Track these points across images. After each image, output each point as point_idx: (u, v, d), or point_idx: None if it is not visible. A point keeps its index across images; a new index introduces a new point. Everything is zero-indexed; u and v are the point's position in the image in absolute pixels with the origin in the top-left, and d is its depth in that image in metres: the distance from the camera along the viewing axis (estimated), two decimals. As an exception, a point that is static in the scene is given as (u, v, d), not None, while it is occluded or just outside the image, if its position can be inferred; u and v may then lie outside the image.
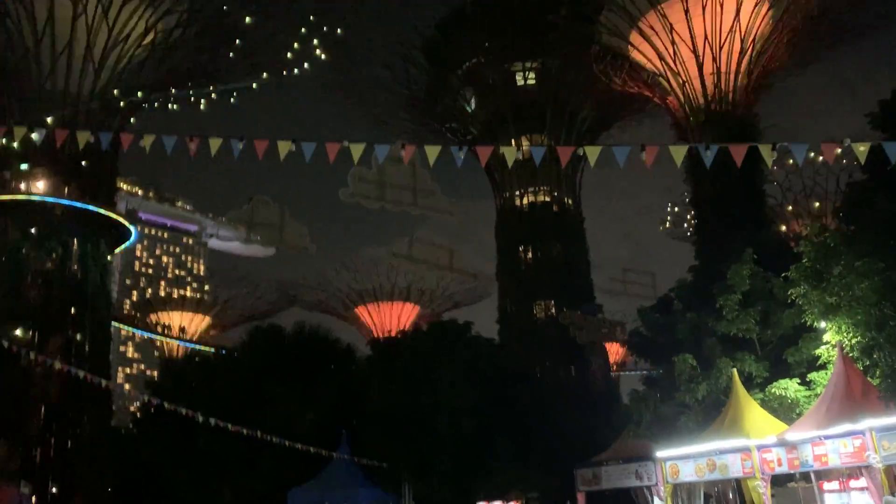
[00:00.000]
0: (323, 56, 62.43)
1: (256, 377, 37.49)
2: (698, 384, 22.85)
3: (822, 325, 19.49)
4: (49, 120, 45.22)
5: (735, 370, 21.71)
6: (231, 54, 56.68)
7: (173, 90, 57.90)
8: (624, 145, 12.90)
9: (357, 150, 12.55)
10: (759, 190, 39.28)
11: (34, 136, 13.69)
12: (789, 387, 21.29)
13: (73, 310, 47.00)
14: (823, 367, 20.45)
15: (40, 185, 47.77)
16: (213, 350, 54.36)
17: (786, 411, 21.30)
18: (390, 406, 31.69)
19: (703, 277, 26.96)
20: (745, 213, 35.38)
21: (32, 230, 46.53)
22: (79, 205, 47.80)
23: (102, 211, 48.93)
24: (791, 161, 59.53)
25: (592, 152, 13.22)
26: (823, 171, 73.90)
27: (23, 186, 47.75)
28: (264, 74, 61.29)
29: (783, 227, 40.53)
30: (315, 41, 59.71)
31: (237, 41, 55.63)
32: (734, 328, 23.13)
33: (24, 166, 47.81)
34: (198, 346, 73.38)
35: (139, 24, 50.72)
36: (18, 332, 44.11)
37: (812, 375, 20.96)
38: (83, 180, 49.20)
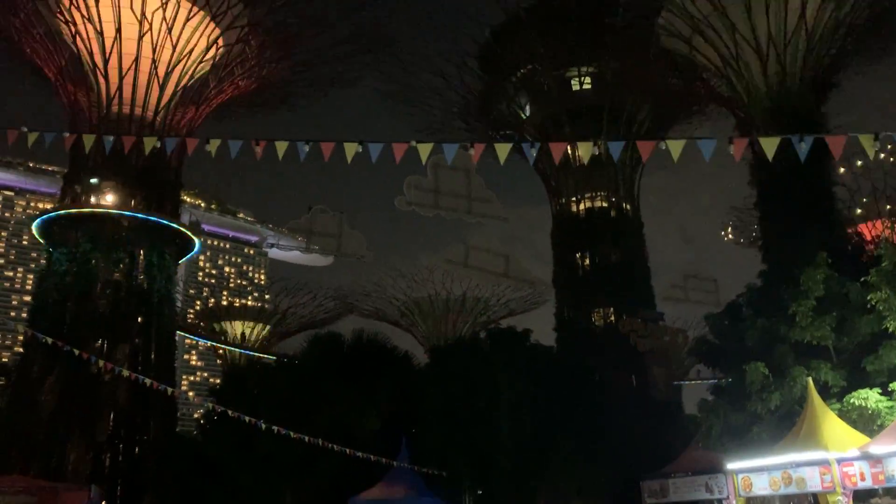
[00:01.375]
0: (380, 66, 63.21)
1: (316, 383, 37.79)
2: (771, 393, 21.94)
3: (905, 331, 18.57)
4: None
5: (810, 379, 20.80)
6: (290, 67, 57.76)
7: (235, 103, 59.51)
8: (708, 138, 12.43)
9: (425, 149, 12.46)
10: (828, 191, 37.86)
11: (104, 143, 13.94)
12: (870, 396, 20.25)
13: (139, 318, 48.31)
14: (906, 376, 19.47)
15: (109, 198, 49.32)
16: (274, 357, 55.08)
17: (866, 423, 20.27)
18: (449, 409, 31.57)
19: (773, 282, 26.04)
20: (813, 214, 34.10)
21: (101, 241, 47.99)
22: (145, 217, 49.13)
23: (167, 222, 50.22)
24: (860, 163, 57.44)
25: (675, 146, 12.80)
26: (893, 172, 71.16)
27: (92, 199, 49.36)
28: (323, 87, 62.41)
29: (852, 230, 38.98)
30: (372, 51, 60.41)
31: (296, 54, 56.62)
32: (808, 335, 22.16)
33: (93, 180, 49.38)
34: (259, 354, 74.55)
35: (202, 40, 52.04)
36: (89, 339, 45.45)
37: (894, 385, 19.94)
38: (149, 193, 50.59)
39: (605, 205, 69.23)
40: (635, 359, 63.57)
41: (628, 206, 70.18)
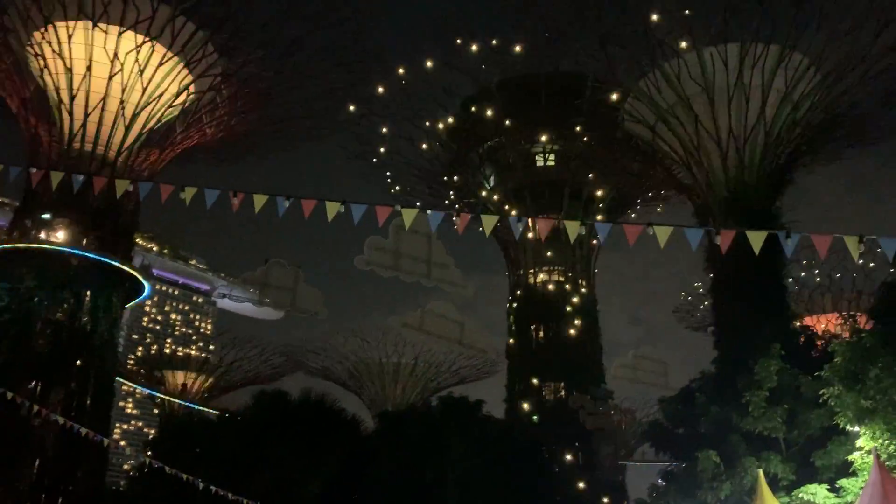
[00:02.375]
0: (350, 125, 63.81)
1: (260, 441, 36.60)
2: (722, 483, 21.93)
3: (856, 429, 18.80)
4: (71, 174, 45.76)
5: (760, 471, 20.84)
6: (260, 119, 57.84)
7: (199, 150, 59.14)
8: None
9: (409, 215, 12.44)
10: (780, 284, 38.92)
11: (73, 182, 13.56)
12: (818, 492, 20.36)
13: (78, 362, 46.44)
14: (854, 473, 19.62)
15: (60, 235, 47.96)
16: (212, 411, 53.40)
17: (813, 518, 20.36)
18: (396, 478, 30.73)
19: (727, 370, 26.34)
20: (766, 306, 34.89)
21: (47, 279, 46.40)
22: (96, 257, 47.79)
23: (119, 264, 48.92)
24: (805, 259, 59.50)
25: (662, 232, 13.00)
26: (839, 269, 73.83)
27: (42, 235, 47.95)
28: (293, 141, 62.60)
29: (802, 324, 40.14)
30: (345, 111, 61.08)
31: (268, 107, 56.78)
32: (760, 426, 22.35)
33: (45, 216, 48.08)
34: (201, 407, 72.18)
35: (173, 85, 51.87)
36: (22, 380, 43.41)
37: (842, 482, 20.06)
38: (103, 233, 49.36)
39: (561, 279, 70.02)
40: (583, 436, 63.47)
41: (584, 283, 71.10)
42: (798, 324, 36.99)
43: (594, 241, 68.94)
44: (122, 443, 71.14)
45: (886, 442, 17.32)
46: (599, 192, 67.51)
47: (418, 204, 72.53)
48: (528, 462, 35.93)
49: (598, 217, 62.73)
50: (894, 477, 17.53)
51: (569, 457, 61.17)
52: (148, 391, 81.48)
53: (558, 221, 12.44)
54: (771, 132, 40.47)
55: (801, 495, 20.75)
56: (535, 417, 61.62)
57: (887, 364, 17.07)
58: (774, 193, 41.16)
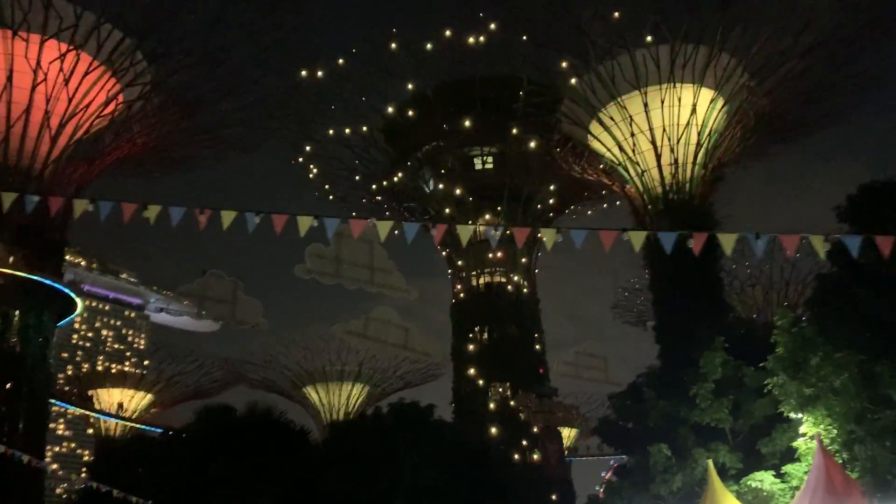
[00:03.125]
0: (285, 133, 62.97)
1: (205, 459, 35.63)
2: (674, 475, 22.46)
3: (799, 416, 19.50)
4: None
5: (710, 462, 21.43)
6: (192, 128, 56.45)
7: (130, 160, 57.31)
8: (582, 228, 13.09)
9: (384, 227, 12.35)
10: (717, 277, 40.16)
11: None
12: (765, 479, 21.07)
13: (9, 384, 44.40)
14: (798, 459, 20.36)
15: (-17, 254, 45.76)
16: (156, 429, 51.79)
17: (761, 504, 21.05)
18: (350, 489, 30.35)
19: (671, 364, 27.01)
20: (704, 298, 35.95)
21: (-28, 300, 44.27)
22: (24, 276, 45.77)
23: (49, 282, 46.96)
24: (742, 250, 61.48)
25: (549, 235, 13.37)
26: (768, 261, 76.57)
27: (-36, 255, 45.66)
28: (227, 150, 61.27)
29: (744, 317, 41.65)
30: (277, 118, 60.14)
31: (199, 115, 55.45)
32: (707, 417, 23.00)
33: (-33, 234, 45.80)
34: (142, 426, 69.92)
35: (100, 95, 50.13)
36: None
37: (787, 468, 20.81)
38: (30, 251, 47.29)
39: (503, 280, 70.60)
40: (529, 434, 64.20)
41: (525, 283, 71.87)
42: (741, 317, 38.20)
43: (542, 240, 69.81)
44: (54, 466, 68.03)
45: (828, 427, 18.01)
46: (539, 195, 68.35)
47: (353, 213, 72.27)
48: (479, 465, 36.04)
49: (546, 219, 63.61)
50: (836, 460, 18.29)
51: (517, 456, 61.62)
52: (83, 412, 78.38)
53: (536, 229, 12.55)
54: (703, 130, 41.70)
55: (749, 483, 21.41)
56: (483, 419, 61.89)
57: (826, 353, 17.76)
58: (709, 191, 42.45)
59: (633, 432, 25.73)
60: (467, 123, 63.75)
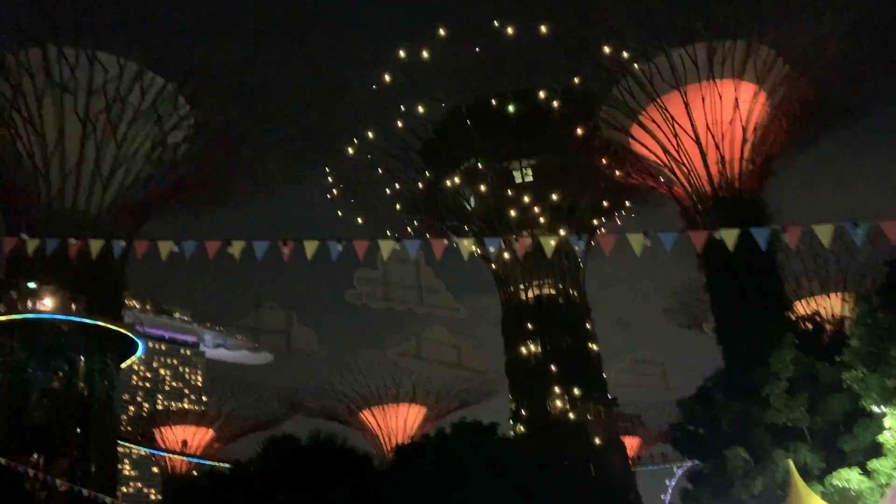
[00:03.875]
0: (325, 162, 63.82)
1: (272, 491, 35.87)
2: (753, 478, 21.83)
3: (881, 409, 18.85)
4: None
5: (791, 462, 20.80)
6: (236, 165, 57.63)
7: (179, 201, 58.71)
8: (665, 232, 12.90)
9: (387, 246, 12.24)
10: (776, 273, 39.21)
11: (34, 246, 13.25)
12: (851, 477, 20.34)
13: (78, 429, 45.51)
14: (884, 455, 19.63)
15: (47, 303, 47.17)
16: (221, 464, 52.37)
17: (848, 504, 20.34)
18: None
19: (739, 365, 26.36)
20: (766, 296, 35.11)
21: (38, 348, 45.58)
22: (86, 321, 47.06)
23: (110, 326, 48.18)
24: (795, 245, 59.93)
25: (636, 240, 13.30)
26: (822, 253, 74.52)
27: (29, 304, 47.12)
28: (270, 184, 62.34)
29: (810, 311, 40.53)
30: (317, 148, 61.02)
31: (242, 153, 56.61)
32: (783, 417, 22.35)
33: (31, 285, 47.28)
34: (208, 462, 70.91)
35: (146, 141, 51.55)
36: (22, 454, 42.42)
37: (873, 464, 20.07)
38: (89, 296, 48.65)
39: (553, 292, 69.94)
40: (591, 446, 63.15)
41: (576, 293, 71.08)
42: (802, 311, 37.23)
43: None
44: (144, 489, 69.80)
45: (916, 420, 17.37)
46: (580, 203, 67.84)
47: (395, 234, 72.59)
48: (547, 481, 35.59)
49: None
50: (928, 453, 17.63)
51: (581, 469, 60.67)
52: (150, 451, 79.83)
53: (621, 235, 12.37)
54: (747, 125, 40.97)
55: (834, 482, 20.71)
56: (544, 433, 61.15)
57: (909, 342, 17.16)
58: (758, 185, 41.60)
59: (705, 437, 25.13)
60: (504, 137, 63.68)
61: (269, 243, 11.33)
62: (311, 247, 11.32)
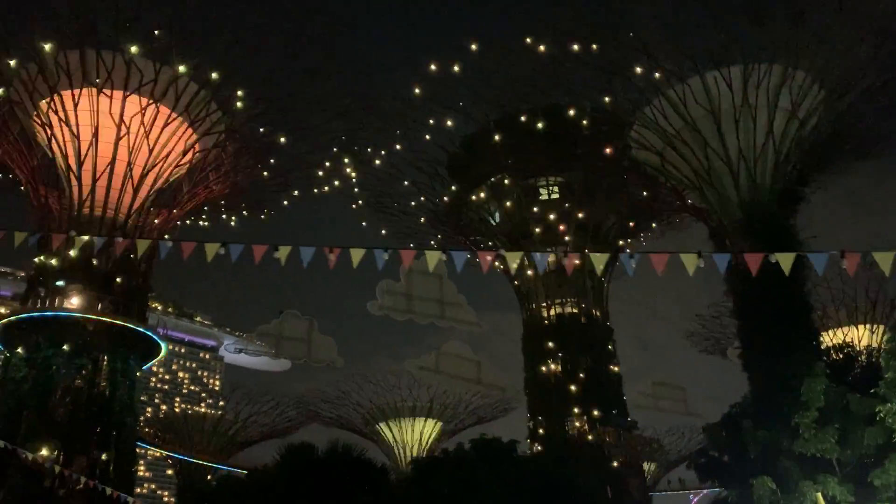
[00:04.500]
0: (352, 174, 64.05)
1: (290, 499, 35.80)
2: (780, 509, 21.42)
3: (916, 444, 18.41)
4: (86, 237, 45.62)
5: (819, 495, 20.40)
6: (265, 172, 58.15)
7: (208, 206, 59.35)
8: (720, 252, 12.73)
9: (433, 257, 12.18)
10: (805, 300, 38.65)
11: (72, 252, 13.36)
12: (882, 513, 19.91)
13: (99, 428, 45.85)
14: (916, 490, 19.18)
15: (74, 302, 47.71)
16: (239, 470, 52.49)
17: (878, 540, 19.85)
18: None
19: (767, 392, 25.93)
20: (794, 323, 34.58)
21: (64, 346, 46.05)
22: (111, 321, 47.52)
23: (136, 326, 48.62)
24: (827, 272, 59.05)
25: (690, 260, 13.25)
26: (850, 282, 73.35)
27: (56, 303, 47.68)
28: (295, 192, 62.80)
29: (841, 341, 39.86)
30: (345, 159, 61.35)
31: (271, 160, 57.13)
32: (812, 448, 21.90)
33: (59, 283, 47.87)
34: (229, 468, 71.12)
35: (178, 145, 52.17)
36: (44, 450, 42.81)
37: (905, 500, 19.64)
38: (116, 297, 49.17)
39: (575, 311, 69.53)
40: (608, 469, 62.37)
41: (598, 313, 70.60)
42: (829, 341, 36.55)
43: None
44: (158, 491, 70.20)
45: (953, 456, 16.92)
46: (606, 222, 67.46)
47: (409, 245, 72.65)
48: (564, 502, 35.19)
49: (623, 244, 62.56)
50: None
51: (598, 492, 59.97)
52: (168, 454, 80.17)
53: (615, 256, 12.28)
54: (780, 150, 40.59)
55: (863, 517, 20.25)
56: (561, 453, 60.55)
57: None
58: (789, 211, 41.12)
59: (730, 464, 24.68)
60: (531, 154, 63.55)
61: (315, 249, 11.33)
62: (357, 255, 11.32)
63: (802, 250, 26.47)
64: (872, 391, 19.68)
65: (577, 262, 16.18)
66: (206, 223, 64.15)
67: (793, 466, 22.14)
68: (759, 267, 13.78)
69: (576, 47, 44.22)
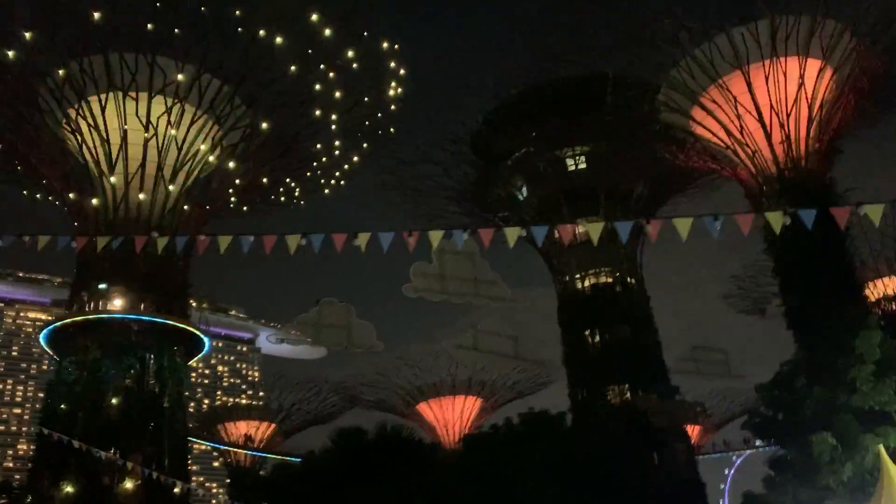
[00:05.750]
0: (376, 159, 64.00)
1: (344, 483, 36.39)
2: (842, 464, 21.24)
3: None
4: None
5: (882, 447, 20.17)
6: (291, 164, 58.46)
7: (238, 201, 59.79)
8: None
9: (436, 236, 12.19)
10: (848, 253, 38.05)
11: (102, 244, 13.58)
12: (946, 461, 19.64)
13: (151, 425, 46.87)
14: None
15: (117, 303, 48.58)
16: (290, 458, 53.33)
17: (944, 489, 19.61)
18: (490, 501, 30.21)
19: (819, 349, 25.64)
20: (839, 277, 34.11)
21: (111, 347, 47.01)
22: (155, 320, 48.36)
23: (179, 324, 49.43)
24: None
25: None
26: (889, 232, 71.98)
27: (100, 305, 48.59)
28: (322, 181, 63.06)
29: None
30: (367, 145, 61.42)
31: (297, 151, 57.34)
32: (870, 401, 21.69)
33: (101, 286, 48.75)
34: (280, 457, 72.28)
35: (206, 141, 52.58)
36: (100, 451, 43.85)
37: (969, 447, 19.38)
38: (157, 296, 49.96)
39: (609, 280, 69.12)
40: (653, 436, 62.20)
41: (633, 281, 70.05)
42: (874, 293, 36.02)
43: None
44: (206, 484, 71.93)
45: None
46: (637, 189, 66.76)
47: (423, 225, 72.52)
48: (611, 470, 35.31)
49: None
50: None
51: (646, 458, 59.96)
52: (221, 447, 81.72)
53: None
54: (813, 103, 39.79)
55: (927, 467, 19.99)
56: (605, 423, 60.57)
57: None
58: (825, 165, 40.40)
59: (785, 423, 24.55)
60: (556, 126, 62.88)
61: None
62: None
63: (839, 205, 26.07)
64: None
65: (595, 231, 16.20)
66: (245, 213, 64.21)
67: (852, 421, 21.94)
68: (793, 223, 13.75)
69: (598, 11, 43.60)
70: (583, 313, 68.17)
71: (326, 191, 64.00)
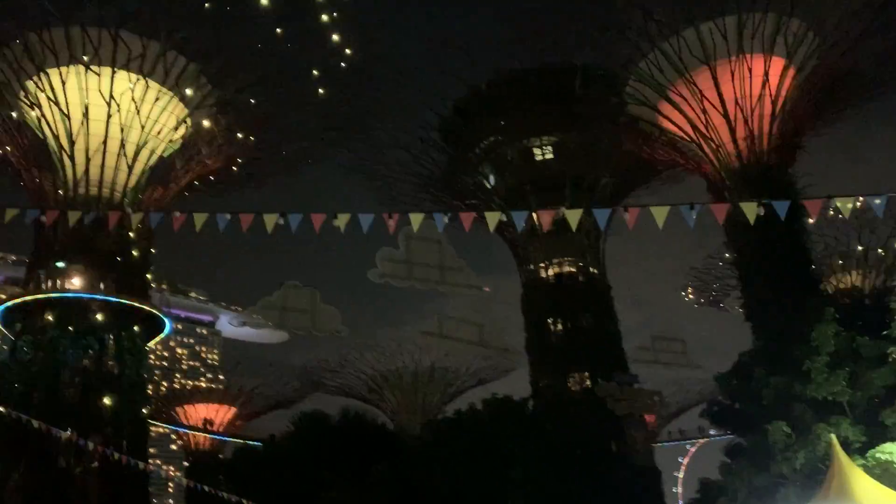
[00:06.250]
0: (346, 143, 63.50)
1: (306, 467, 36.43)
2: (795, 453, 21.92)
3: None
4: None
5: (833, 436, 20.86)
6: (257, 145, 57.65)
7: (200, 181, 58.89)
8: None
9: (416, 219, 12.24)
10: (805, 249, 39.05)
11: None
12: (894, 451, 20.41)
13: (110, 406, 46.15)
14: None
15: (75, 282, 47.62)
16: (252, 442, 53.02)
17: (891, 478, 20.35)
18: (459, 490, 30.56)
19: (775, 340, 26.38)
20: (796, 271, 34.98)
21: (69, 327, 46.10)
22: (114, 299, 47.54)
23: (139, 305, 48.68)
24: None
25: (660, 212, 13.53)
26: (843, 228, 73.84)
27: (58, 284, 47.58)
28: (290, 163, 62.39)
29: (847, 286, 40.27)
30: (338, 129, 60.84)
31: (264, 133, 56.58)
32: (824, 391, 22.40)
33: (59, 264, 47.71)
34: (235, 439, 71.82)
35: (170, 120, 51.65)
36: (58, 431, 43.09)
37: (916, 438, 20.16)
38: (117, 275, 49.09)
39: (573, 270, 69.93)
40: (613, 424, 63.31)
41: (595, 271, 71.01)
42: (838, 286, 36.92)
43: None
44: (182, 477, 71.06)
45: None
46: (602, 181, 67.49)
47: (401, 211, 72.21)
48: (581, 456, 35.95)
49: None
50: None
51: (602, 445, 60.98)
52: (183, 430, 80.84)
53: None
54: (776, 101, 40.62)
55: (876, 455, 20.78)
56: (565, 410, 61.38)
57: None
58: (787, 161, 41.32)
59: (743, 412, 25.24)
60: (524, 115, 63.17)
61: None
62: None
63: (799, 199, 26.72)
64: (885, 333, 20.09)
65: (562, 219, 16.36)
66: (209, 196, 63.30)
67: (806, 410, 22.65)
68: (757, 217, 14.10)
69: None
70: (546, 301, 69.00)
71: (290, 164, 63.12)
